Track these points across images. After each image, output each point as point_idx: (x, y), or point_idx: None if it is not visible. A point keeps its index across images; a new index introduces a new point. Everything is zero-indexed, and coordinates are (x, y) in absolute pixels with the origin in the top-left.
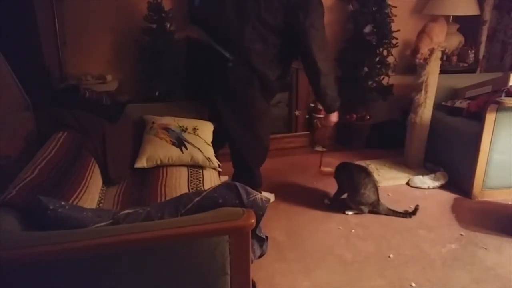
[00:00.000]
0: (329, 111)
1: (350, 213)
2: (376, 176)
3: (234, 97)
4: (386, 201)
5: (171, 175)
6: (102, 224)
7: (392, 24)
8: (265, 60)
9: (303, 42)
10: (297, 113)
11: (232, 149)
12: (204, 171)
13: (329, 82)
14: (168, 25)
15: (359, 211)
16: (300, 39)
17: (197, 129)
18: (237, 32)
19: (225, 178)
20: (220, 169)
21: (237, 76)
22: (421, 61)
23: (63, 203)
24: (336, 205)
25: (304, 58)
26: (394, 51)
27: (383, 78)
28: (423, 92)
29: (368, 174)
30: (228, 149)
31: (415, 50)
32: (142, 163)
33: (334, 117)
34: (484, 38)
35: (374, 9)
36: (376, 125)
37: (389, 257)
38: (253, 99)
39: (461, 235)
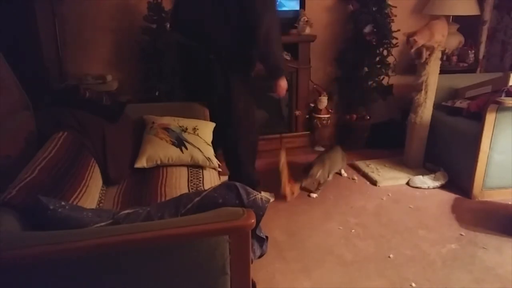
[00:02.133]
0: (276, 74)
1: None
2: (376, 176)
3: (219, 92)
4: (386, 201)
5: (171, 175)
6: (102, 224)
7: (392, 24)
8: (233, 43)
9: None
10: (297, 113)
11: (224, 147)
12: (204, 171)
13: (274, 41)
14: (168, 25)
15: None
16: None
17: (197, 129)
18: (203, 25)
19: (225, 178)
20: (220, 169)
21: (219, 67)
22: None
23: (63, 203)
24: (335, 205)
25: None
26: (394, 51)
27: (383, 78)
28: (423, 92)
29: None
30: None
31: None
32: (142, 163)
33: (284, 83)
34: (484, 38)
35: (374, 9)
36: (376, 125)
37: (389, 257)
38: (237, 92)
39: (461, 235)
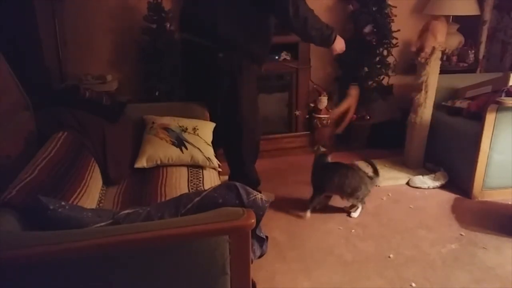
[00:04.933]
0: (327, 43)
1: (356, 214)
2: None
3: (225, 91)
4: (386, 201)
5: (171, 175)
6: (102, 224)
7: (392, 24)
8: (245, 36)
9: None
10: (297, 113)
11: (226, 145)
12: (204, 171)
13: (312, 20)
14: (168, 25)
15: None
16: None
17: (197, 129)
18: (212, 22)
19: (225, 178)
20: (220, 169)
21: (226, 66)
22: (424, 60)
23: (63, 203)
24: (335, 205)
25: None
26: (394, 51)
27: (383, 78)
28: (423, 92)
29: (358, 168)
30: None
31: (420, 49)
32: (142, 163)
33: (337, 45)
34: (484, 38)
35: (374, 9)
36: (376, 125)
37: (389, 257)
38: (242, 88)
39: (461, 235)
